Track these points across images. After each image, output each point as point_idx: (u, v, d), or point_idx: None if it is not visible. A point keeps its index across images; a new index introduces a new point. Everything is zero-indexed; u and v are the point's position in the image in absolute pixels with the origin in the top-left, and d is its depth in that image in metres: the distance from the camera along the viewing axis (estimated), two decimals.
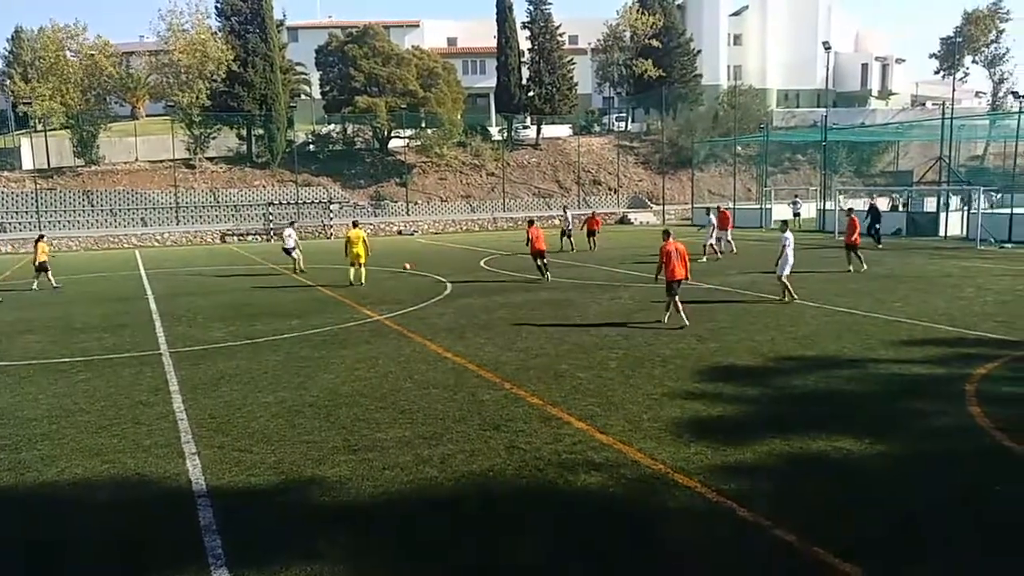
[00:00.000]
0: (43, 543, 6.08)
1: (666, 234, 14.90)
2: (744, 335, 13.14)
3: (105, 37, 49.35)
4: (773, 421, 8.46)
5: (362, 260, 21.03)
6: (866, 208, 32.75)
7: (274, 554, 5.69)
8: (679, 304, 14.26)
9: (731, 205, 48.95)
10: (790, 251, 16.62)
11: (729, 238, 28.83)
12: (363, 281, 20.99)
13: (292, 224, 27.23)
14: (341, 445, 7.97)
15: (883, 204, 43.94)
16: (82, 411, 9.45)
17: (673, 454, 7.47)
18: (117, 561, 5.80)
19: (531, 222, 23.42)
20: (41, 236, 23.96)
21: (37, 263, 22.28)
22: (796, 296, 16.56)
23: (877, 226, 30.21)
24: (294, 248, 25.15)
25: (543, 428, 8.36)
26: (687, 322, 13.98)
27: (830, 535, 5.74)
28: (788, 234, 16.81)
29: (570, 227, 32.02)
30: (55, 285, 22.20)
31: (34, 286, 22.17)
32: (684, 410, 8.90)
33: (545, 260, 21.71)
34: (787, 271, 16.62)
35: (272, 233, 44.71)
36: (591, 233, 31.49)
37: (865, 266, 21.90)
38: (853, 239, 22.03)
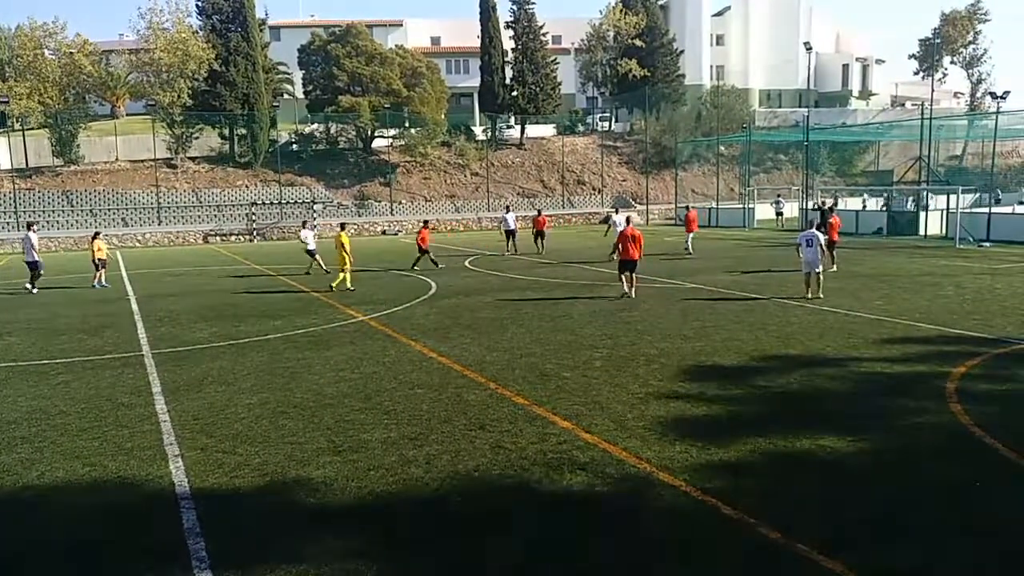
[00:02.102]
0: (23, 547, 6.01)
1: (627, 220, 19.36)
2: (728, 334, 13.22)
3: (84, 35, 48.91)
4: (757, 420, 8.52)
5: (338, 265, 20.09)
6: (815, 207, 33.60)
7: (259, 556, 5.66)
8: (634, 280, 17.79)
9: (714, 205, 49.38)
10: (805, 248, 16.88)
11: (689, 239, 28.89)
12: (333, 286, 19.88)
13: (306, 223, 26.10)
14: (326, 446, 7.94)
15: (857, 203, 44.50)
16: (63, 414, 9.34)
17: (658, 453, 7.50)
18: (99, 565, 5.73)
19: (426, 223, 27.03)
20: (97, 233, 24.20)
21: (97, 260, 22.82)
22: (819, 294, 16.75)
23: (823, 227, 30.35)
24: (316, 249, 24.38)
25: (528, 428, 8.37)
26: (632, 295, 17.47)
27: (814, 532, 5.79)
28: (809, 231, 17.22)
29: (512, 228, 30.71)
30: (102, 284, 22.41)
31: (103, 282, 22.54)
32: (669, 409, 8.94)
33: (430, 256, 25.50)
34: (812, 267, 16.89)
35: (255, 233, 44.46)
36: (539, 235, 30.05)
37: (834, 267, 21.99)
38: (833, 238, 22.35)
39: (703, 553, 5.66)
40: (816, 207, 33.15)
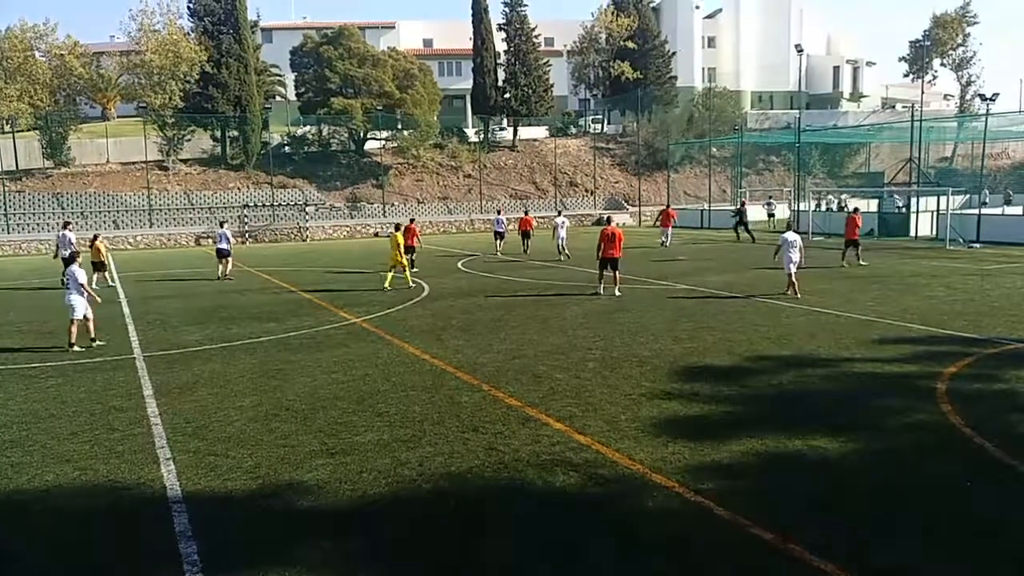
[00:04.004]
0: (14, 552, 5.97)
1: (608, 220, 19.92)
2: (720, 335, 13.25)
3: (74, 37, 48.63)
4: (749, 420, 8.54)
5: (392, 263, 20.57)
6: (736, 207, 38.24)
7: (251, 560, 5.64)
8: (616, 278, 18.36)
9: (706, 206, 49.52)
10: (793, 250, 17.61)
11: (669, 235, 33.12)
12: (391, 285, 20.25)
13: (223, 223, 26.01)
14: (318, 448, 7.92)
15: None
16: (53, 417, 9.29)
17: (651, 454, 7.51)
18: (90, 570, 5.71)
19: (412, 220, 26.78)
20: (96, 235, 24.34)
21: (94, 261, 22.78)
22: (798, 295, 17.26)
23: (744, 224, 35.10)
24: (229, 252, 24.25)
25: (521, 429, 8.37)
26: (618, 293, 18.04)
27: (807, 532, 5.80)
28: (788, 234, 18.06)
29: (502, 229, 31.70)
30: (110, 283, 22.59)
31: (94, 284, 22.38)
32: (662, 410, 8.95)
33: (412, 258, 24.14)
34: (792, 268, 17.58)
35: (247, 236, 44.33)
36: (525, 235, 31.01)
37: (863, 262, 23.04)
38: (852, 235, 23.29)
39: (697, 554, 5.67)
40: (764, 205, 38.61)
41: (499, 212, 34.87)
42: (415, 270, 24.25)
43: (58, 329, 15.60)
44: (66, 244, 23.32)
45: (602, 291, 18.36)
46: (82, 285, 13.33)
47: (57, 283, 23.35)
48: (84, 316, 13.37)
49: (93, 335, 13.55)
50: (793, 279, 17.52)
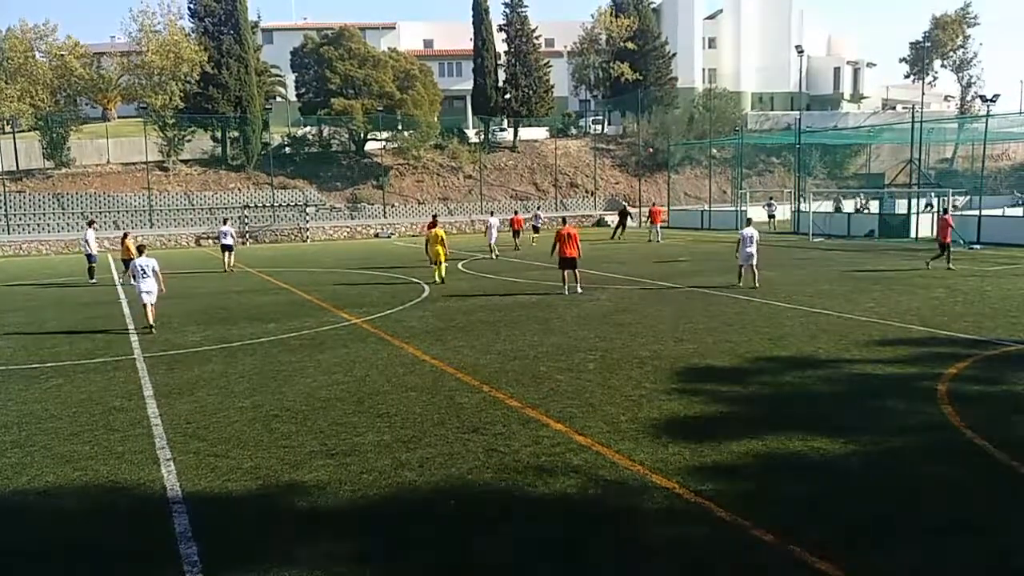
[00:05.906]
0: (12, 552, 5.97)
1: (563, 221, 20.76)
2: (721, 336, 13.25)
3: (75, 37, 48.65)
4: (750, 421, 8.54)
5: (441, 258, 21.80)
6: (620, 212, 42.06)
7: (251, 561, 5.64)
8: (577, 275, 18.98)
9: (707, 207, 49.58)
10: (750, 245, 19.13)
11: (658, 230, 37.28)
12: (443, 279, 21.64)
13: (226, 221, 28.78)
14: (318, 449, 7.92)
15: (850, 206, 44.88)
16: (53, 417, 9.29)
17: (651, 455, 7.51)
18: (90, 570, 5.71)
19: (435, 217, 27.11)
20: (126, 233, 25.56)
21: (124, 259, 23.63)
22: (755, 284, 18.84)
23: (622, 227, 40.13)
24: (233, 247, 27.22)
25: (521, 430, 8.37)
26: (580, 290, 18.74)
27: (807, 534, 5.80)
28: (746, 230, 19.64)
29: (534, 225, 36.68)
30: (130, 283, 23.07)
31: (121, 280, 23.55)
32: (662, 411, 8.95)
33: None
34: (747, 261, 19.21)
35: (247, 236, 44.35)
36: (515, 233, 34.77)
37: (952, 266, 22.58)
38: (945, 239, 23.01)
39: (697, 554, 5.66)
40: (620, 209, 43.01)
41: (538, 212, 40.59)
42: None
43: (57, 331, 15.62)
44: (83, 242, 25.01)
45: (567, 292, 18.74)
46: (156, 273, 15.09)
47: (57, 284, 23.42)
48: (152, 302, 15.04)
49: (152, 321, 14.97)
50: (754, 270, 19.07)
